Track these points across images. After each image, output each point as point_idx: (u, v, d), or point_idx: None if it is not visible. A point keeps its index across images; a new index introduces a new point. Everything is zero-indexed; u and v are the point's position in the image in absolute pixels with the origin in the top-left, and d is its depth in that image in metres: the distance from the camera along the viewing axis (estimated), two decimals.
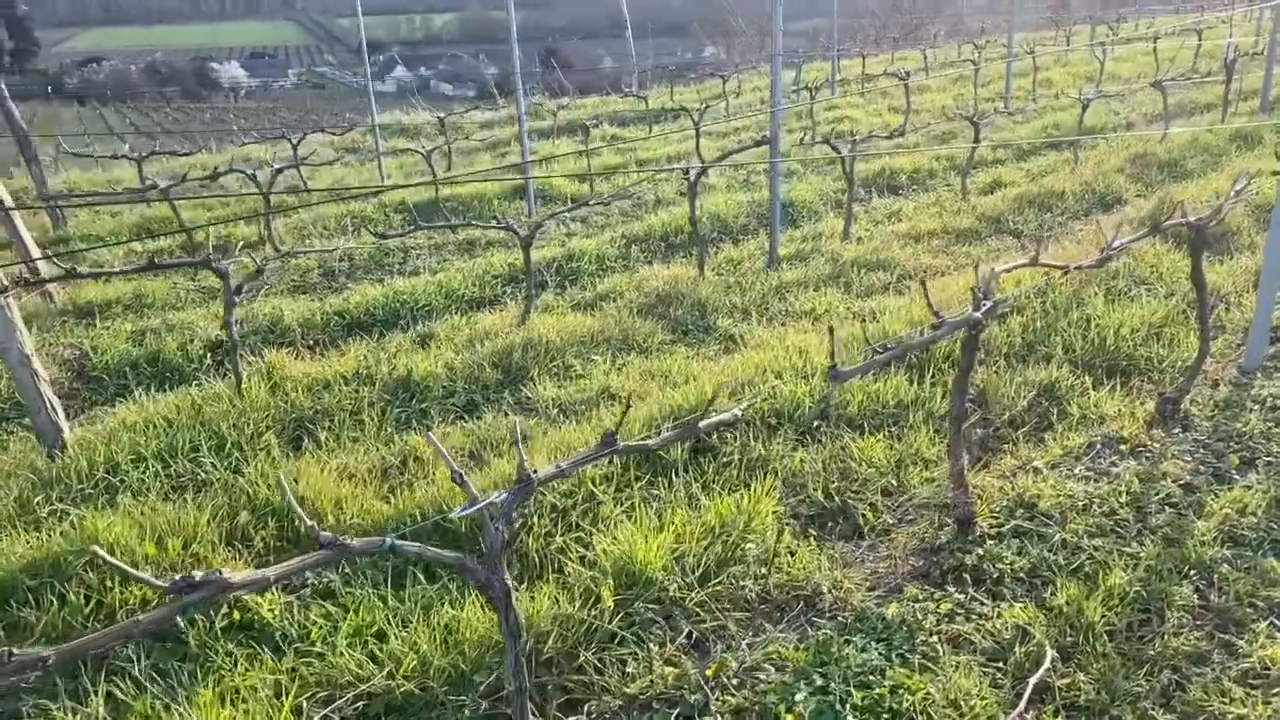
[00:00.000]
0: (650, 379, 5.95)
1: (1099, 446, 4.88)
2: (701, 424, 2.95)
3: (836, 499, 4.54)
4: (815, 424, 5.01)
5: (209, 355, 6.80)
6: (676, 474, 4.63)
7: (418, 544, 2.42)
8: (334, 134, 14.56)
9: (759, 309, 7.12)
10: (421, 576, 3.89)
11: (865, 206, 10.39)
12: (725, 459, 4.76)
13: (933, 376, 5.59)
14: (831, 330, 3.33)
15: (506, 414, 5.47)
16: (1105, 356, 5.89)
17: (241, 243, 9.73)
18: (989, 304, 3.80)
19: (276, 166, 9.54)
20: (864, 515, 4.44)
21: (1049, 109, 15.06)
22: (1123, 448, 4.83)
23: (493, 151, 16.30)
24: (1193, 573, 3.80)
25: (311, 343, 7.10)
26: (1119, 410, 5.25)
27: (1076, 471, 4.63)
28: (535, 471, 2.64)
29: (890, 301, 6.96)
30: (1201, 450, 4.72)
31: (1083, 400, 5.40)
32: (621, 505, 4.37)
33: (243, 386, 5.64)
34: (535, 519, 4.17)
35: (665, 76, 22.64)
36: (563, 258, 8.69)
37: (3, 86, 10.53)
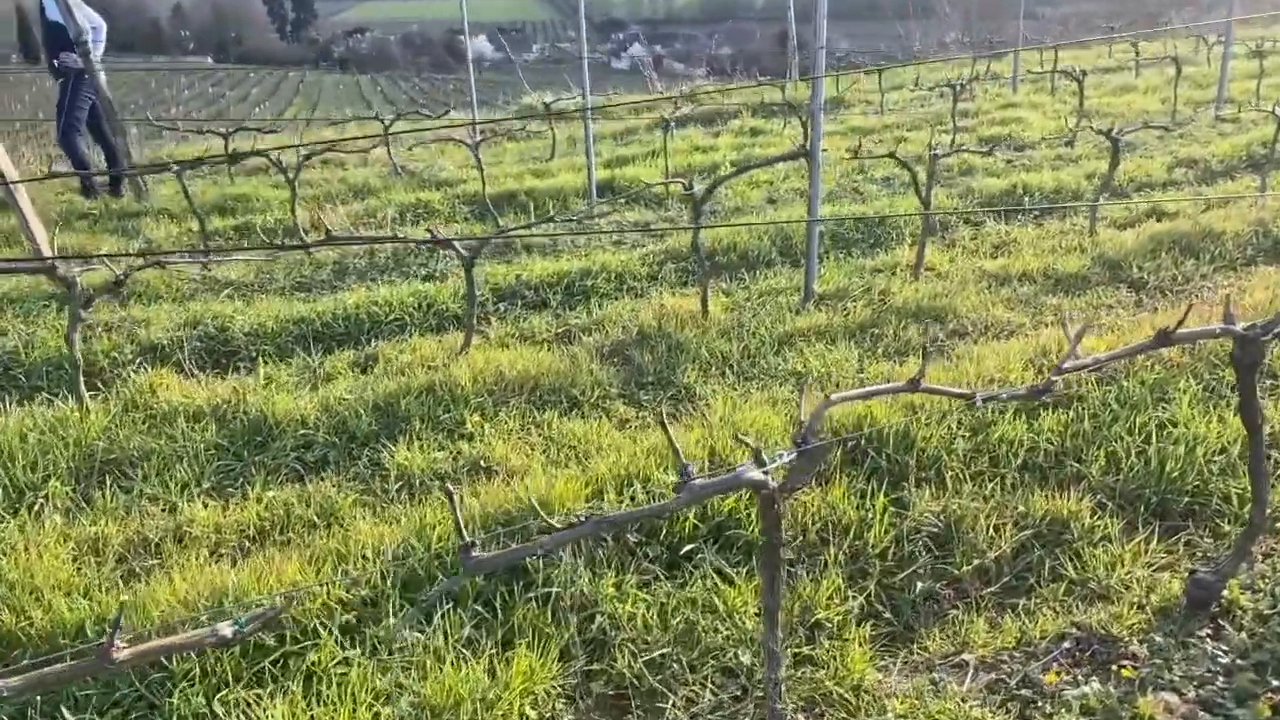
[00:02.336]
0: (554, 448, 4.80)
1: (1066, 648, 3.32)
2: (174, 642, 1.83)
3: (650, 676, 3.27)
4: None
5: (137, 361, 6.19)
6: (461, 610, 3.48)
7: None
8: (429, 115, 14.01)
9: (748, 363, 5.77)
10: None
11: (976, 232, 8.63)
12: (537, 594, 3.57)
13: (905, 484, 4.16)
14: (452, 497, 2.11)
15: (341, 483, 4.49)
16: (1161, 487, 4.22)
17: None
18: (786, 458, 2.44)
19: (305, 152, 8.94)
20: (671, 714, 3.15)
21: (1270, 118, 12.33)
22: (1099, 655, 3.27)
23: (619, 139, 15.30)
24: None
25: (254, 355, 6.38)
26: (1135, 581, 3.64)
27: (1004, 692, 3.13)
28: None
29: (907, 371, 5.43)
30: (1219, 680, 3.09)
31: (1093, 556, 3.80)
32: (351, 647, 3.29)
33: (86, 413, 4.95)
34: (200, 673, 3.16)
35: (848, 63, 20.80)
36: (578, 274, 7.58)
37: (96, 60, 10.56)
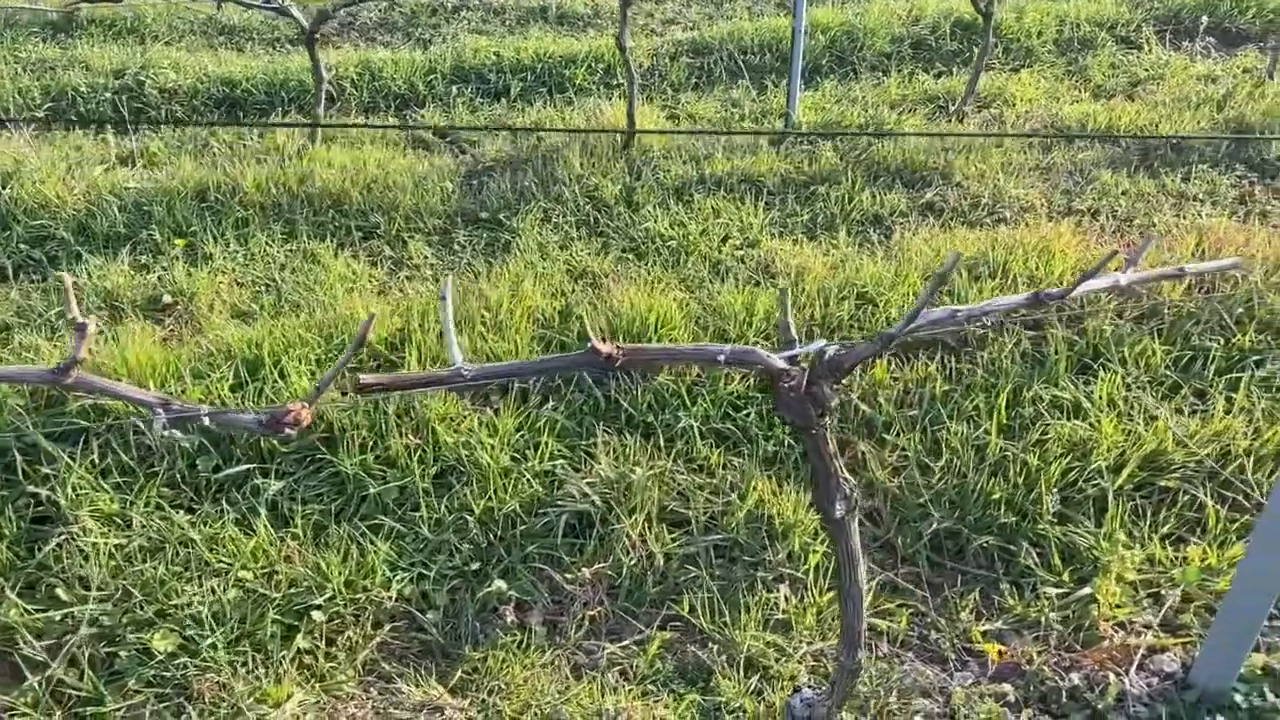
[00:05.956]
0: (278, 291, 3.96)
1: None
2: None
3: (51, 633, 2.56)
4: None
5: (44, 106, 5.83)
6: None
7: None
8: None
9: (614, 213, 4.51)
10: None
11: (1125, 56, 6.34)
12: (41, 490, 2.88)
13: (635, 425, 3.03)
14: None
15: (27, 293, 3.92)
16: (971, 512, 2.82)
17: None
18: None
19: None
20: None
21: None
22: None
23: None
24: None
25: (160, 119, 5.84)
26: (763, 663, 2.43)
27: None
28: None
29: (800, 258, 4.00)
30: None
31: (755, 600, 2.59)
32: None
33: None
34: None
35: None
36: (560, 60, 6.31)
37: None
